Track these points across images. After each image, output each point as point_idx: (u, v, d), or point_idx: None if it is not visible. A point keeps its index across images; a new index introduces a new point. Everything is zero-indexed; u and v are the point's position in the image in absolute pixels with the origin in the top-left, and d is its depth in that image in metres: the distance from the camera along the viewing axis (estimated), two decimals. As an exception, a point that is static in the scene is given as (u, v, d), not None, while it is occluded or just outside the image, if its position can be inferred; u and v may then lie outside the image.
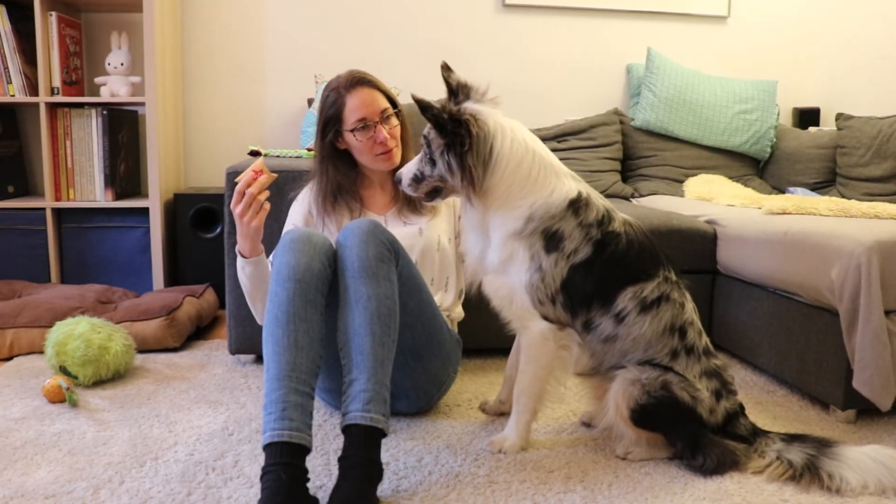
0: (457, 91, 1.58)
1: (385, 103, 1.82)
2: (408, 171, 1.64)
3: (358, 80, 1.81)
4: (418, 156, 1.63)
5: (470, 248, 1.68)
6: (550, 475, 1.56)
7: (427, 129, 1.58)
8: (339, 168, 1.87)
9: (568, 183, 1.60)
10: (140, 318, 2.35)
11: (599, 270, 1.56)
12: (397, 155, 1.86)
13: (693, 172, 3.20)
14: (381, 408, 1.43)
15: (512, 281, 1.60)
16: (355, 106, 1.79)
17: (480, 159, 1.52)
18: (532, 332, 1.62)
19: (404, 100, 2.00)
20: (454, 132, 1.51)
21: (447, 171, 1.55)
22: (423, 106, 1.50)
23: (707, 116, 3.23)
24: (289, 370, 1.40)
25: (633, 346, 1.59)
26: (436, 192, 1.65)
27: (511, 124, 1.58)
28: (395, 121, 1.85)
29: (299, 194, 1.97)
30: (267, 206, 1.66)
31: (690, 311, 1.64)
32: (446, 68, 1.60)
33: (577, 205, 1.57)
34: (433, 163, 1.58)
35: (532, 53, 3.45)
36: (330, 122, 1.83)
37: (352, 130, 1.80)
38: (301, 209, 1.92)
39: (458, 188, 1.57)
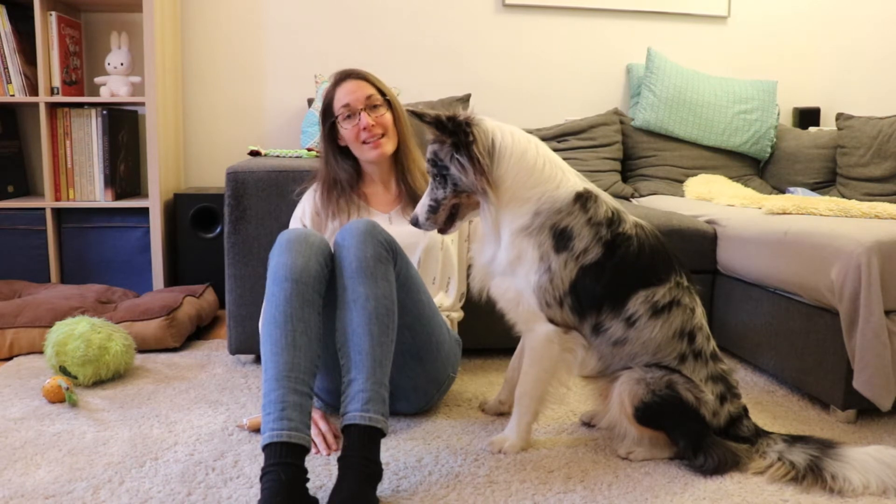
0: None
1: (370, 90, 1.86)
2: (421, 208, 1.65)
3: (347, 74, 1.88)
4: (426, 193, 1.65)
5: (480, 252, 1.68)
6: (550, 475, 1.56)
7: (430, 151, 1.60)
8: (339, 162, 1.91)
9: (573, 179, 1.61)
10: (140, 318, 2.35)
11: (610, 274, 1.56)
12: (387, 144, 1.88)
13: (693, 172, 3.20)
14: (380, 408, 1.43)
15: (519, 283, 1.60)
16: (341, 95, 1.85)
17: (486, 150, 1.55)
18: (537, 334, 1.62)
19: (404, 101, 2.00)
20: (455, 130, 1.54)
21: (461, 172, 1.55)
22: (418, 113, 1.55)
23: (707, 116, 3.23)
24: (287, 370, 1.40)
25: (642, 349, 1.59)
26: (453, 217, 1.65)
27: (506, 125, 1.61)
28: (382, 109, 1.87)
29: (304, 195, 1.97)
30: None
31: (700, 315, 1.64)
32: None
33: (584, 199, 1.58)
34: (444, 178, 1.58)
35: (532, 53, 3.44)
36: (323, 115, 1.89)
37: (340, 119, 1.85)
38: (307, 209, 1.92)
39: (474, 187, 1.56)
